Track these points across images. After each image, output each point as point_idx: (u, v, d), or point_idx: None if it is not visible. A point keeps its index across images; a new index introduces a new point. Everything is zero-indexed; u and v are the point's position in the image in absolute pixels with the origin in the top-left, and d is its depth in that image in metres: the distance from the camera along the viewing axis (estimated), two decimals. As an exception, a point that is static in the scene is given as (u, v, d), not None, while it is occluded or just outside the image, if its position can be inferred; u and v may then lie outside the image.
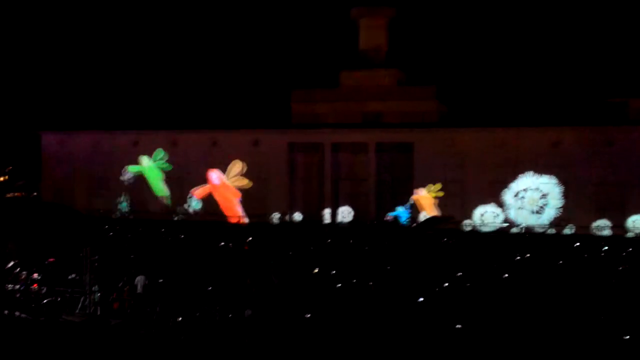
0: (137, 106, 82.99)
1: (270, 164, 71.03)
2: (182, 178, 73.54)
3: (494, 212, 63.41)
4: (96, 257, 29.59)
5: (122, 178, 73.61)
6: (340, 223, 68.38)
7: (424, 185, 66.07)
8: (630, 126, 61.13)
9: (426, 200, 65.67)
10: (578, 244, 51.52)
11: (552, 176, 62.29)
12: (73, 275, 30.94)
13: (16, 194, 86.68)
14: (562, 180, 62.04)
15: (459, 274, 37.06)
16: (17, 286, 29.31)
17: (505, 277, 37.08)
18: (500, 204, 63.54)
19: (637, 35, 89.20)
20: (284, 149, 71.13)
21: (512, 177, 63.45)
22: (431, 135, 66.35)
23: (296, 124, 72.42)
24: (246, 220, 68.07)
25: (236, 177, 63.28)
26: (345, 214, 69.34)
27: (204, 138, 73.26)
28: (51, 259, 32.14)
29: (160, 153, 72.44)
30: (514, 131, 63.77)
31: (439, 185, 65.33)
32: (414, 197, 65.83)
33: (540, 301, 30.70)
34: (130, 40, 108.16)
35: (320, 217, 69.58)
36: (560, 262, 42.64)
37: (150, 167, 74.10)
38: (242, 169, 63.32)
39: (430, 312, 28.33)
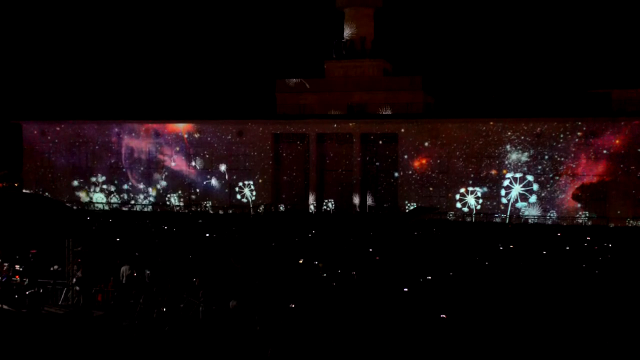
0: (119, 96, 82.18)
1: (255, 155, 70.80)
2: (165, 168, 73.25)
3: (477, 194, 63.58)
4: (79, 249, 29.21)
5: None
6: (325, 213, 68.33)
7: (409, 176, 66.25)
8: (613, 117, 61.60)
9: None
10: (559, 234, 51.99)
11: (535, 167, 62.74)
12: (55, 267, 30.53)
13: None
14: (545, 171, 62.53)
15: (443, 264, 37.21)
16: (-1, 278, 28.89)
17: (488, 266, 37.32)
18: (484, 195, 63.94)
19: (619, 27, 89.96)
20: (269, 139, 70.92)
21: (496, 167, 63.87)
22: (416, 126, 66.43)
23: (281, 114, 72.12)
24: None
25: None
26: (330, 204, 69.37)
27: (187, 129, 72.77)
28: (33, 250, 31.71)
29: None
30: (498, 122, 64.09)
31: None
32: None
33: (525, 291, 30.93)
34: (112, 30, 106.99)
35: (305, 207, 69.52)
36: (544, 252, 43.01)
37: None
38: None
39: (415, 302, 28.42)
